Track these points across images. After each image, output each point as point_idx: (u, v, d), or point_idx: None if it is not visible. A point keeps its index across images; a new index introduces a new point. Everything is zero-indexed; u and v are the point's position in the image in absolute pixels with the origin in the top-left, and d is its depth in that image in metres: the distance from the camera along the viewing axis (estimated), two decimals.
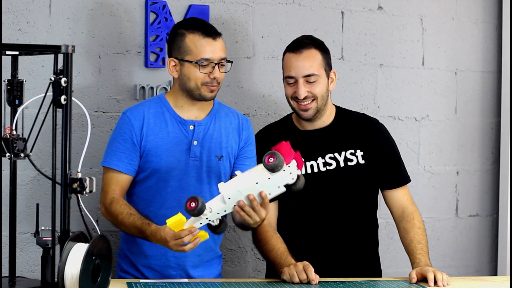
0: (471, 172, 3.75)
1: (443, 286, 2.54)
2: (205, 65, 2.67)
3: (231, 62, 2.75)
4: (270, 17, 3.39)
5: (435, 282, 2.54)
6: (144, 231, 2.53)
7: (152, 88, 3.21)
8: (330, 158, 2.83)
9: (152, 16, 3.20)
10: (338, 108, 2.91)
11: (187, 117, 2.75)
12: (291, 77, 2.78)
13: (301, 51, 2.78)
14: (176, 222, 2.38)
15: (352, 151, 2.83)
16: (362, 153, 2.83)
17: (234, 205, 2.41)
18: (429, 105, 3.66)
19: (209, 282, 2.60)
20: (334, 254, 2.83)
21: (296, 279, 2.54)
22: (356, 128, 2.87)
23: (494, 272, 3.80)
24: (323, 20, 3.46)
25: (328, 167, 2.82)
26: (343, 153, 2.83)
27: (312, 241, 2.84)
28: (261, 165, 2.38)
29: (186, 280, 2.63)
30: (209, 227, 2.45)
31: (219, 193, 2.43)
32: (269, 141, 2.82)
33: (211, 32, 2.69)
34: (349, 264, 2.83)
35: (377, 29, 3.55)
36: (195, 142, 2.73)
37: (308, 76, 2.76)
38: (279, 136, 2.82)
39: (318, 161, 2.82)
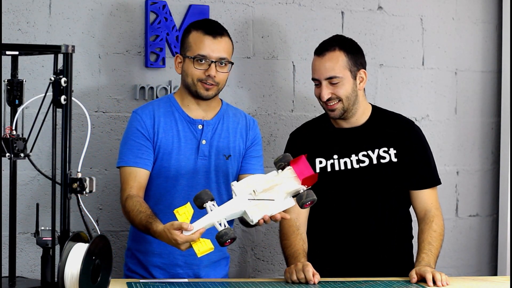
0: (471, 172, 3.75)
1: (442, 286, 2.54)
2: (201, 62, 2.68)
3: (232, 63, 2.76)
4: (270, 17, 3.39)
5: (434, 283, 2.54)
6: (149, 229, 2.53)
7: (152, 88, 3.21)
8: (363, 155, 2.84)
9: (152, 16, 3.20)
10: (374, 107, 2.93)
11: (196, 117, 2.76)
12: (316, 79, 2.82)
13: (324, 53, 2.80)
14: (184, 213, 2.38)
15: (386, 149, 2.84)
16: (395, 151, 2.84)
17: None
18: (429, 105, 3.66)
19: (209, 282, 2.60)
20: (366, 250, 2.83)
21: (294, 278, 2.55)
22: (391, 127, 2.88)
23: (494, 272, 3.80)
24: (323, 20, 3.46)
25: (361, 164, 2.84)
26: (376, 150, 2.84)
27: (344, 237, 2.84)
28: (286, 189, 2.41)
29: (186, 280, 2.63)
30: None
31: (229, 198, 2.45)
32: (305, 139, 2.88)
33: (212, 31, 2.71)
34: (381, 261, 2.84)
35: (377, 29, 3.55)
36: (203, 142, 2.74)
37: (330, 78, 2.78)
38: (315, 134, 2.87)
39: (351, 158, 2.84)
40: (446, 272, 2.64)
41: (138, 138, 2.72)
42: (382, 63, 3.57)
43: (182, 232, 2.37)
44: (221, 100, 2.84)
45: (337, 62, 2.79)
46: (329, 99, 2.79)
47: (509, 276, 2.92)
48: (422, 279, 2.59)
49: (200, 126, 2.75)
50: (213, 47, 2.69)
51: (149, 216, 2.55)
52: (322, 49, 2.82)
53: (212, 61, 2.68)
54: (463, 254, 3.76)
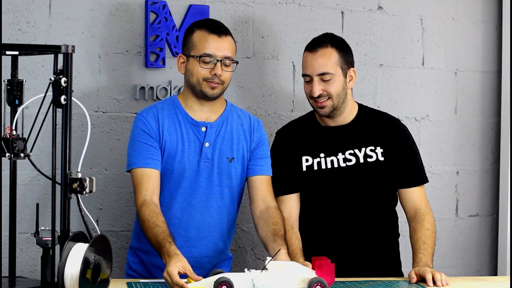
0: (471, 172, 3.75)
1: (442, 286, 2.54)
2: (207, 61, 2.68)
3: (237, 62, 2.76)
4: (270, 17, 3.39)
5: (434, 283, 2.55)
6: (163, 246, 2.46)
7: (152, 88, 3.21)
8: (350, 154, 2.85)
9: (152, 16, 3.20)
10: (360, 106, 2.93)
11: (199, 119, 2.75)
12: (307, 75, 2.82)
13: (317, 49, 2.81)
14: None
15: (372, 147, 2.85)
16: (382, 150, 2.85)
17: None
18: (429, 105, 3.66)
19: None
20: (352, 249, 2.84)
21: None
22: (378, 125, 2.89)
23: (494, 272, 3.80)
24: (323, 20, 3.46)
25: (348, 163, 2.84)
26: (363, 149, 2.85)
27: (330, 236, 2.85)
28: (299, 276, 2.31)
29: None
30: None
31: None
32: (292, 137, 2.89)
33: (217, 30, 2.71)
34: (368, 259, 2.84)
35: (377, 29, 3.56)
36: (207, 144, 2.73)
37: (322, 74, 2.78)
38: (301, 132, 2.87)
39: (338, 157, 2.84)
40: (446, 272, 2.65)
41: (146, 139, 2.70)
42: (382, 63, 3.57)
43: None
44: (226, 100, 2.84)
45: (330, 59, 2.79)
46: (319, 96, 2.79)
47: (509, 276, 2.92)
48: (422, 279, 2.59)
49: (203, 129, 2.74)
50: (218, 46, 2.69)
51: (167, 234, 2.51)
52: (314, 45, 2.82)
53: (218, 60, 2.68)
54: (463, 254, 3.76)
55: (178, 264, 2.36)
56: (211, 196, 2.73)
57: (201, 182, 2.72)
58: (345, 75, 2.82)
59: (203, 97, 2.72)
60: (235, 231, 2.90)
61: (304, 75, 2.83)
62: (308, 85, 2.82)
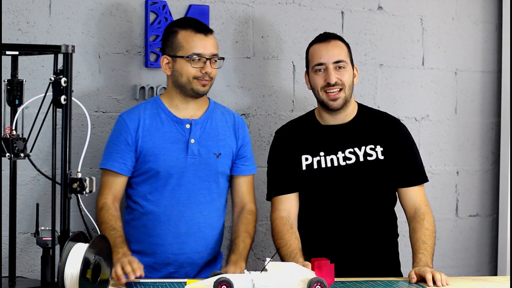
0: (471, 172, 3.75)
1: (442, 286, 2.54)
2: (196, 60, 2.72)
3: (223, 58, 2.81)
4: (270, 17, 3.39)
5: (434, 283, 2.55)
6: (120, 248, 2.56)
7: (152, 88, 3.21)
8: (350, 152, 2.85)
9: (152, 16, 3.20)
10: (360, 105, 2.94)
11: (183, 116, 2.79)
12: (321, 64, 2.82)
13: (329, 40, 2.85)
14: None
15: (372, 146, 2.85)
16: (382, 149, 2.85)
17: None
18: (429, 105, 3.66)
19: None
20: (352, 248, 2.83)
21: None
22: (377, 124, 2.89)
23: (494, 272, 3.80)
24: (323, 20, 3.46)
25: (348, 162, 2.84)
26: (363, 148, 2.85)
27: (330, 235, 2.85)
28: (299, 276, 2.29)
29: (185, 280, 2.63)
30: None
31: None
32: (291, 137, 2.89)
33: (202, 29, 2.77)
34: (367, 258, 2.84)
35: (377, 29, 3.55)
36: (192, 140, 2.76)
37: (338, 62, 2.81)
38: (301, 131, 2.87)
39: (338, 155, 2.84)
40: (446, 272, 2.64)
41: (120, 142, 2.75)
42: (382, 63, 3.57)
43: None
44: (209, 98, 2.88)
45: (343, 49, 2.85)
46: (334, 84, 2.79)
47: (509, 276, 2.92)
48: (422, 279, 2.59)
49: (188, 126, 2.78)
50: (205, 45, 2.74)
51: (124, 238, 2.62)
52: (326, 37, 2.87)
53: (207, 59, 2.73)
54: (463, 254, 3.76)
55: (123, 256, 2.50)
56: (199, 192, 2.77)
57: (188, 178, 2.76)
58: (352, 70, 2.85)
59: (193, 95, 2.77)
60: (224, 228, 2.90)
61: (317, 65, 2.82)
62: (320, 76, 2.82)
